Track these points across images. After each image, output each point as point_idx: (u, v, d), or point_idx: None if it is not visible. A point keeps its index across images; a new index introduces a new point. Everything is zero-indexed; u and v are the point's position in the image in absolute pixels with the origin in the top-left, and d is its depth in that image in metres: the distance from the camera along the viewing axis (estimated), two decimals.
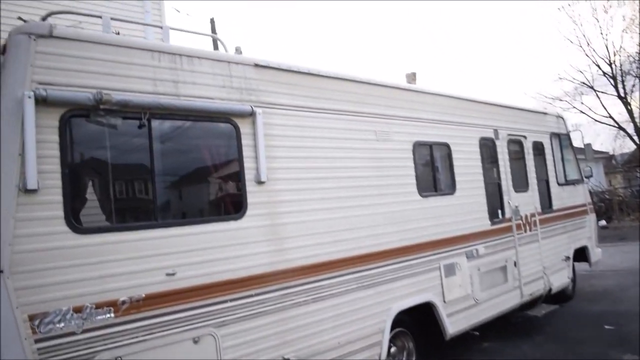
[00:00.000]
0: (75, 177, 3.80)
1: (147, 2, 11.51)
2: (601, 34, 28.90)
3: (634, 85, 28.56)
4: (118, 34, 4.37)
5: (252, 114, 4.72)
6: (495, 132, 8.25)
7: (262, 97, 4.92)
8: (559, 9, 29.08)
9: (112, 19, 4.31)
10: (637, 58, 27.82)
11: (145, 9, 11.44)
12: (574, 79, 29.99)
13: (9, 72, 3.64)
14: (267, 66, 5.04)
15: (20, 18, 4.26)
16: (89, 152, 4.04)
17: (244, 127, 4.70)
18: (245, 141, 4.69)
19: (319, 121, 5.38)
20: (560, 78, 30.37)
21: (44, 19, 4.13)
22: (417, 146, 6.56)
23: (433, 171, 6.93)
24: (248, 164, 4.67)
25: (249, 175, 4.67)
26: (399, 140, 6.31)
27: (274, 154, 4.87)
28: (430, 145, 6.85)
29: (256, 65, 4.95)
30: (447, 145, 7.13)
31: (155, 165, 4.19)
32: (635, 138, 29.23)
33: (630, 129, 29.25)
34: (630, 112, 28.72)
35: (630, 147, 33.35)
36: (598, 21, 28.49)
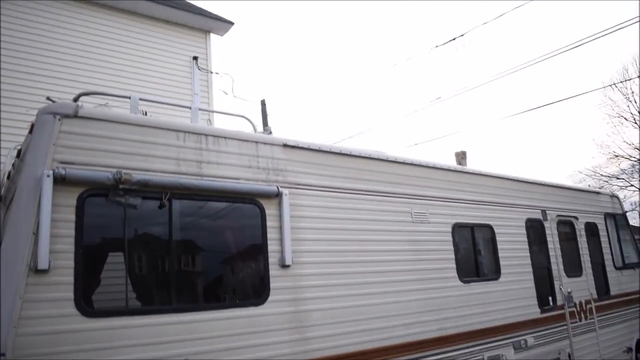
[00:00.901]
0: (89, 257, 3.68)
1: (196, 84, 11.92)
2: None
3: None
4: (145, 114, 4.37)
5: (278, 195, 4.58)
6: (543, 213, 7.84)
7: (290, 177, 4.78)
8: (611, 86, 28.45)
9: (140, 99, 4.32)
10: None
11: (194, 91, 11.84)
12: (631, 156, 28.98)
13: (31, 151, 3.65)
14: (296, 146, 4.93)
15: (48, 98, 4.32)
16: (106, 232, 3.93)
17: (270, 208, 4.54)
18: (270, 223, 4.52)
19: (350, 202, 5.18)
20: (616, 156, 29.39)
21: (75, 99, 4.17)
22: (457, 228, 6.24)
23: (475, 255, 6.55)
24: (272, 247, 4.48)
25: (273, 258, 4.46)
26: (437, 222, 6.01)
27: (300, 236, 4.67)
28: (471, 227, 6.50)
29: (285, 145, 4.86)
30: (490, 227, 6.76)
31: (174, 246, 4.05)
32: None
33: None
34: None
35: None
36: None
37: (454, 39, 14.01)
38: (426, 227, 5.85)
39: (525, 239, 7.31)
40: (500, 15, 12.50)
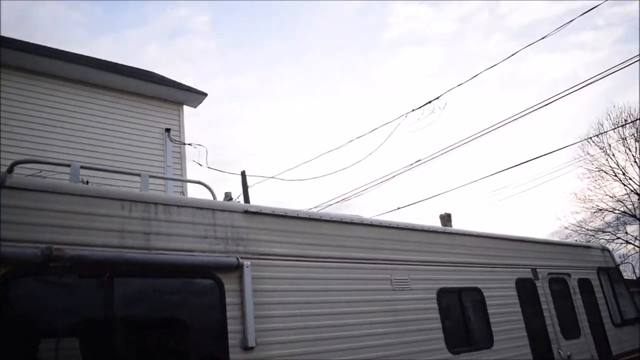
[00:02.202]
0: (11, 349, 3.13)
1: (169, 156, 11.54)
2: (635, 162, 28.11)
3: None
4: (87, 183, 3.95)
5: (238, 267, 4.09)
6: (534, 271, 7.38)
7: (252, 247, 4.32)
8: (587, 141, 28.63)
9: (82, 167, 3.90)
10: None
11: (167, 164, 11.44)
12: (614, 209, 28.88)
13: None
14: (259, 212, 4.50)
15: None
16: (33, 318, 3.38)
17: (229, 283, 4.04)
18: (230, 299, 4.01)
19: (322, 272, 4.70)
20: (600, 209, 29.29)
21: (9, 170, 3.75)
22: (443, 293, 5.74)
23: (464, 322, 6.02)
24: (233, 327, 3.94)
25: (233, 340, 3.91)
26: (421, 288, 5.52)
27: (265, 312, 4.15)
28: (458, 292, 6.02)
29: (246, 212, 4.42)
30: (478, 291, 6.28)
31: (116, 331, 3.51)
32: None
33: None
34: None
35: None
36: (630, 150, 27.97)
37: (430, 102, 13.91)
38: (408, 294, 5.35)
39: (517, 301, 6.82)
40: (474, 77, 12.44)
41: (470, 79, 12.99)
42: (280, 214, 4.63)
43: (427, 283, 5.61)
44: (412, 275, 5.47)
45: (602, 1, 10.52)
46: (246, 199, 18.44)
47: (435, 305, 5.57)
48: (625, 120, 27.39)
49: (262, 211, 4.52)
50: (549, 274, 7.66)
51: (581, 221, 29.99)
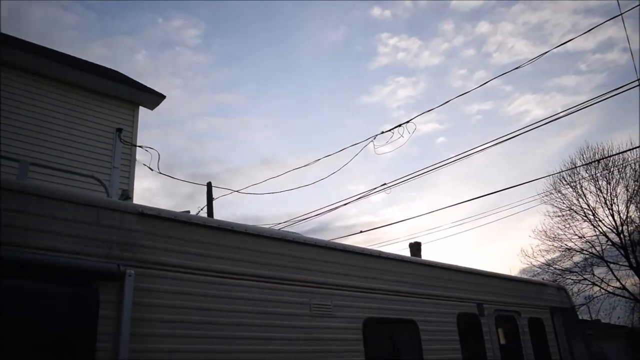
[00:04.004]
0: None
1: (117, 157, 10.86)
2: (606, 204, 28.14)
3: None
4: None
5: (119, 276, 3.53)
6: (479, 307, 6.91)
7: (142, 254, 3.76)
8: (560, 179, 28.67)
9: None
10: None
11: (114, 165, 10.77)
12: (583, 250, 28.79)
13: None
14: (158, 216, 3.96)
15: None
16: None
17: (106, 293, 3.47)
18: (105, 311, 3.43)
19: (226, 289, 4.15)
20: (568, 249, 29.16)
21: None
22: (371, 324, 5.20)
23: (395, 357, 5.50)
24: (102, 343, 3.35)
25: (102, 359, 3.33)
26: (345, 317, 4.98)
27: (149, 330, 3.58)
28: (389, 323, 5.49)
29: (141, 214, 3.87)
30: (413, 323, 5.76)
31: None
32: None
33: None
34: None
35: None
36: (602, 192, 28.01)
37: (400, 125, 13.58)
38: (330, 322, 4.82)
39: (457, 338, 6.31)
40: (445, 103, 12.21)
41: (442, 104, 12.80)
42: (184, 219, 4.10)
43: (353, 311, 5.08)
44: (335, 301, 4.94)
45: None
46: (210, 211, 17.76)
47: (361, 337, 5.03)
48: (597, 161, 27.48)
49: (161, 215, 3.99)
50: (496, 310, 7.20)
51: (549, 260, 29.84)
